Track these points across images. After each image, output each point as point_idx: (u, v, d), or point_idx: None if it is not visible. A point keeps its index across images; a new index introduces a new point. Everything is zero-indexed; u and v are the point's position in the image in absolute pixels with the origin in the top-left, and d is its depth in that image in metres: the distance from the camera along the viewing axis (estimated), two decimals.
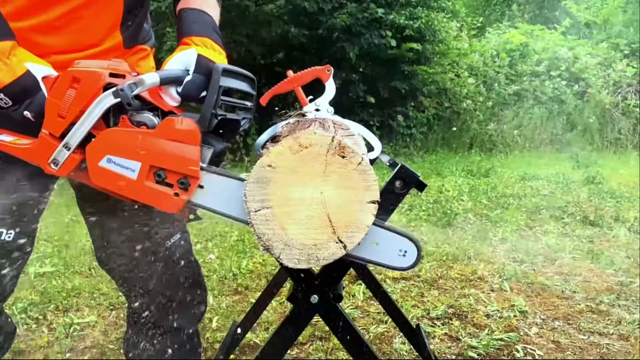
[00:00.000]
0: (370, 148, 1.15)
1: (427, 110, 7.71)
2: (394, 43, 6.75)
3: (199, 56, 0.99)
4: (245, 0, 6.26)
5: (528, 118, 8.13)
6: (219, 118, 0.90)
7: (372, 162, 1.14)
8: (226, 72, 0.91)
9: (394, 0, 6.99)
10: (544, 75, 8.64)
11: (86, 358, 2.00)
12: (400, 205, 0.94)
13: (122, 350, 1.47)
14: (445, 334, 2.17)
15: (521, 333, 2.18)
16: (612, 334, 2.18)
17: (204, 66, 0.97)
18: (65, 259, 2.98)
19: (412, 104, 7.62)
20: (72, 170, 0.92)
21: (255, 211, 0.81)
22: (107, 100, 0.87)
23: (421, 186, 0.93)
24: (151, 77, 0.89)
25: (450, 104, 8.00)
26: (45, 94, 0.92)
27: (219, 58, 1.02)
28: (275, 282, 1.72)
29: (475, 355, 2.01)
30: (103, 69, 0.90)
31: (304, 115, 1.16)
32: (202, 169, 0.87)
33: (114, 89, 0.87)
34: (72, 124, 0.89)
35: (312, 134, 0.80)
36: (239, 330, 1.77)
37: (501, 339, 2.11)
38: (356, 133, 1.11)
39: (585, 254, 3.16)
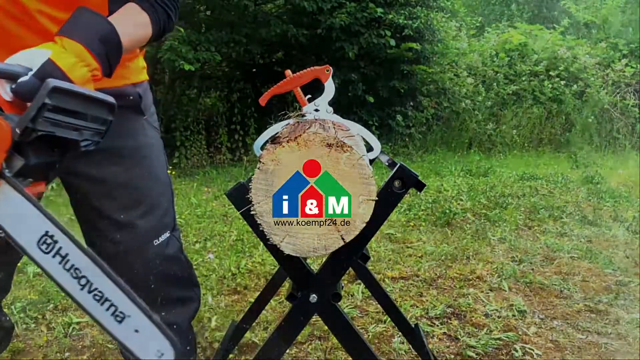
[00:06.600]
0: (369, 148, 1.16)
1: (426, 110, 7.71)
2: (393, 43, 6.75)
3: (49, 61, 0.90)
4: (244, 0, 6.26)
5: (527, 118, 8.14)
6: (39, 134, 0.83)
7: (371, 162, 1.15)
8: (60, 91, 0.83)
9: None
10: (542, 75, 8.63)
11: (85, 357, 2.00)
12: (399, 204, 0.94)
13: (120, 350, 1.47)
14: (444, 333, 2.17)
15: (520, 332, 2.18)
16: (611, 333, 2.18)
17: (46, 73, 0.88)
18: None
19: (411, 103, 7.62)
20: None
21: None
22: None
23: (420, 186, 0.93)
24: None
25: (449, 104, 7.99)
26: None
27: (79, 71, 0.92)
28: (274, 281, 1.72)
29: (473, 355, 2.01)
30: None
31: (303, 115, 1.16)
32: (1, 176, 0.81)
33: None
34: None
35: None
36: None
37: (500, 339, 2.11)
38: (355, 133, 1.11)
39: (583, 254, 3.17)
